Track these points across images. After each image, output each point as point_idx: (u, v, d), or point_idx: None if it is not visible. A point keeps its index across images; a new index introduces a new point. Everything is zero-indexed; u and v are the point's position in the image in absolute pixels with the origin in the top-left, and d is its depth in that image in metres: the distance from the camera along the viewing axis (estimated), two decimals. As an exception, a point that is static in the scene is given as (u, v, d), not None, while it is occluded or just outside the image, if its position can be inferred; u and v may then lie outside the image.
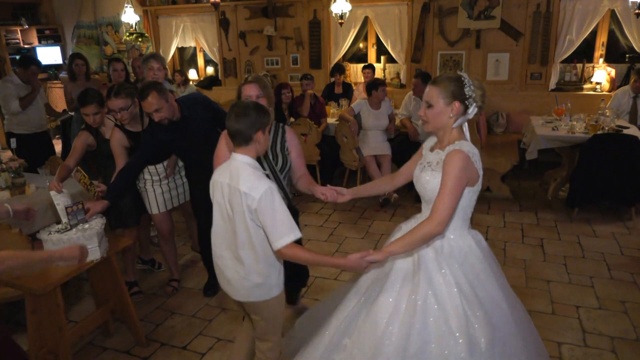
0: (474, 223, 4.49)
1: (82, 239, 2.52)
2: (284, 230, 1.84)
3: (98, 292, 3.03)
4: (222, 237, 2.02)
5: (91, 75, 5.36)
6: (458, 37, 6.24)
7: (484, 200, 5.12)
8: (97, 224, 2.63)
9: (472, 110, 1.95)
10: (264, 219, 1.85)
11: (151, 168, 3.30)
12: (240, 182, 1.87)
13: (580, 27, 5.82)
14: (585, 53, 6.10)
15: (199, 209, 3.27)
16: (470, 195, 1.97)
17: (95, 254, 2.58)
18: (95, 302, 3.15)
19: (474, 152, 1.91)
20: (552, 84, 6.12)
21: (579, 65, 6.09)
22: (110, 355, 2.94)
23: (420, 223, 1.91)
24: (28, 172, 3.69)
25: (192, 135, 3.05)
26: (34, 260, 1.98)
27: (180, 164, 3.47)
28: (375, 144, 5.19)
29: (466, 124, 2.00)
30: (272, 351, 2.17)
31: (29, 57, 5.29)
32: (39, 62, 5.12)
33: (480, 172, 1.95)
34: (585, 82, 6.11)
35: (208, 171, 2.18)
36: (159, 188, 3.34)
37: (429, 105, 1.96)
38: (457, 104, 1.92)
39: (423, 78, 5.18)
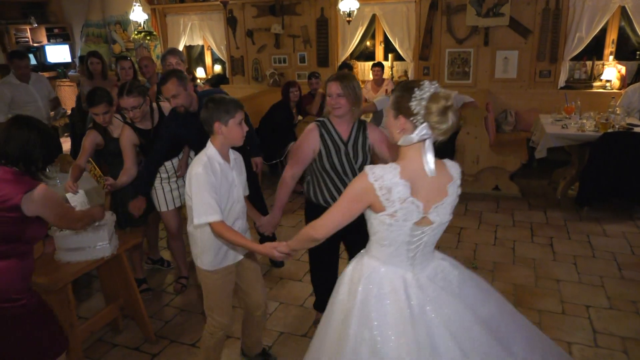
0: (483, 222, 4.52)
1: (92, 235, 2.54)
2: (202, 210, 2.11)
3: (108, 289, 3.05)
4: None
5: (108, 75, 5.32)
6: (466, 35, 6.20)
7: (493, 199, 5.10)
8: (109, 221, 2.64)
9: (420, 133, 1.58)
10: (192, 198, 2.16)
11: (161, 166, 3.31)
12: (189, 167, 2.22)
13: (590, 24, 5.77)
14: (595, 50, 6.04)
15: None
16: (385, 224, 1.66)
17: (105, 251, 2.60)
18: (104, 298, 3.17)
19: (392, 181, 1.59)
20: (562, 81, 6.07)
21: (589, 63, 6.04)
22: (120, 351, 2.96)
23: (305, 227, 1.86)
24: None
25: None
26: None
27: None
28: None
29: (426, 148, 1.62)
30: (209, 328, 2.42)
31: (12, 52, 5.23)
32: (19, 53, 4.98)
33: (391, 206, 1.61)
34: (595, 79, 6.06)
35: None
36: (167, 186, 3.36)
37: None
38: (402, 120, 1.62)
39: None
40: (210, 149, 2.21)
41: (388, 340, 1.64)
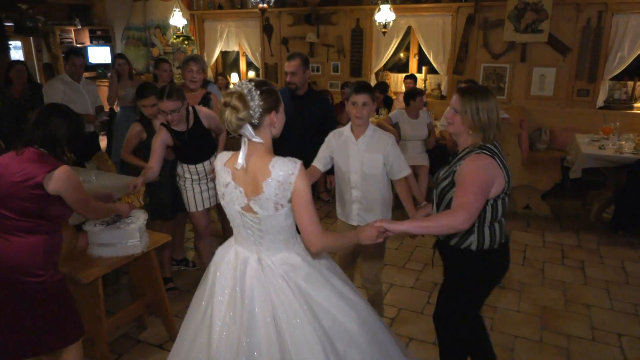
0: (512, 240, 4.43)
1: (124, 232, 2.60)
2: None
3: (135, 286, 3.11)
4: None
5: (135, 76, 5.47)
6: (503, 50, 6.13)
7: (523, 218, 4.99)
8: (139, 219, 2.70)
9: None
10: None
11: (192, 168, 3.37)
12: None
13: (633, 43, 5.61)
14: (636, 70, 5.87)
15: None
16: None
17: (136, 248, 2.65)
18: (131, 294, 3.24)
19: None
20: (600, 101, 5.92)
21: (630, 83, 5.87)
22: (144, 348, 3.01)
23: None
24: (75, 166, 3.83)
25: None
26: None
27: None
28: (414, 154, 5.14)
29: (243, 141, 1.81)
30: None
31: (70, 49, 5.44)
32: (76, 51, 5.19)
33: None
34: (636, 100, 5.89)
35: None
36: (197, 187, 3.42)
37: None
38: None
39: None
40: None
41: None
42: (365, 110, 2.61)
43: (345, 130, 2.75)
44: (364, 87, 2.65)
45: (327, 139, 2.82)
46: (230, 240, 2.06)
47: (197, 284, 3.81)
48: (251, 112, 1.70)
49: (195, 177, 3.40)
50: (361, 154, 2.68)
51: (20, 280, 2.07)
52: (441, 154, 5.35)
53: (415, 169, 5.14)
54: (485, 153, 2.01)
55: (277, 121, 1.83)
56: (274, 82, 7.63)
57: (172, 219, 3.61)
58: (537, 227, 4.78)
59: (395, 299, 3.52)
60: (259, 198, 1.79)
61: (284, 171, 1.75)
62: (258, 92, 1.71)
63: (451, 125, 2.15)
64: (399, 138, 5.18)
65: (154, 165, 3.11)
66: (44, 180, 2.04)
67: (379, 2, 6.07)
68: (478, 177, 1.94)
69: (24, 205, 2.05)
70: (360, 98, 2.60)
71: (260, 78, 5.97)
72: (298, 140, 3.55)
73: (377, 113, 6.08)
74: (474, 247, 2.11)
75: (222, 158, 1.90)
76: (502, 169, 2.02)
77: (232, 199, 1.86)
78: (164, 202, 3.49)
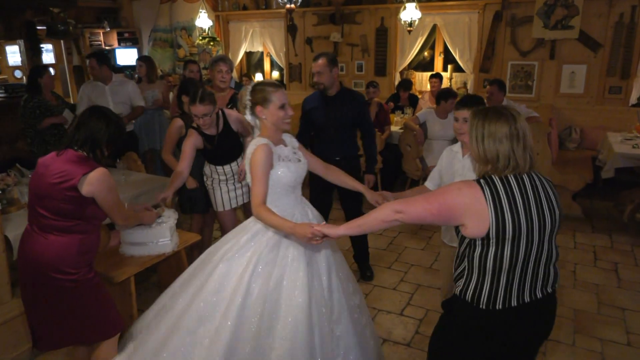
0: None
1: (155, 231, 2.65)
2: None
3: (165, 284, 3.14)
4: None
5: (154, 79, 5.49)
6: (531, 47, 6.01)
7: (553, 218, 4.88)
8: (171, 219, 2.74)
9: None
10: None
11: (219, 169, 3.41)
12: None
13: (668, 39, 5.44)
14: (672, 67, 5.70)
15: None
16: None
17: (166, 247, 2.70)
18: (161, 293, 3.27)
19: None
20: (633, 98, 5.75)
21: (665, 80, 5.70)
22: (173, 346, 3.05)
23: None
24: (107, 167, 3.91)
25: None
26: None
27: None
28: (440, 155, 5.08)
29: None
30: None
31: (88, 53, 5.49)
32: (94, 54, 5.10)
33: None
34: (671, 98, 5.71)
35: None
36: (225, 187, 3.45)
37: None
38: None
39: (500, 86, 5.02)
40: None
41: None
42: (466, 126, 2.32)
43: (456, 146, 2.64)
44: (467, 102, 2.48)
45: (441, 155, 2.75)
46: None
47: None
48: (245, 102, 2.27)
49: (222, 177, 3.43)
50: (465, 172, 2.49)
51: (51, 277, 2.13)
52: (468, 153, 5.28)
53: (441, 169, 5.09)
54: (480, 184, 1.69)
55: (265, 114, 2.24)
56: (297, 81, 7.65)
57: (205, 213, 3.68)
58: (568, 228, 4.68)
59: (423, 300, 3.49)
60: None
61: (250, 148, 2.22)
62: (250, 89, 2.27)
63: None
64: (424, 137, 5.13)
65: (184, 169, 3.13)
66: (79, 182, 2.08)
67: (405, 0, 6.02)
68: (443, 198, 1.69)
69: (60, 205, 2.10)
70: (462, 114, 2.44)
71: (267, 79, 6.01)
72: (331, 140, 3.56)
73: (403, 112, 6.04)
74: (468, 297, 1.77)
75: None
76: (490, 208, 1.63)
77: None
78: (196, 197, 3.56)
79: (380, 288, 3.63)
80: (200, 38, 7.73)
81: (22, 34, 5.92)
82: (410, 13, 5.91)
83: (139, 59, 5.56)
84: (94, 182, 2.10)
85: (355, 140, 3.73)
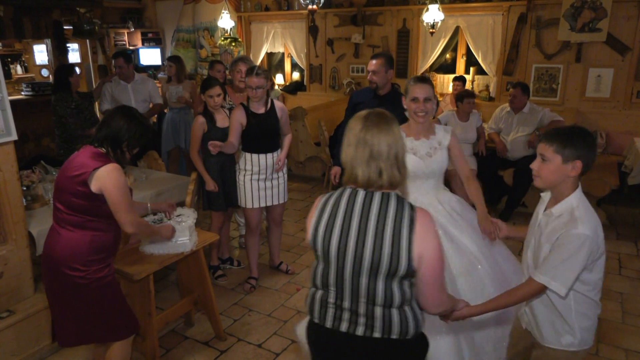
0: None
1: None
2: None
3: (183, 283, 3.18)
4: None
5: (183, 78, 5.54)
6: (556, 50, 5.89)
7: (576, 225, 4.77)
8: (189, 218, 2.76)
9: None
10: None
11: (254, 158, 3.46)
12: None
13: (700, 42, 5.28)
14: None
15: None
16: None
17: (185, 246, 2.71)
18: (179, 291, 3.31)
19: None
20: (662, 103, 5.60)
21: (696, 85, 5.52)
22: (190, 344, 3.07)
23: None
24: (129, 165, 3.97)
25: None
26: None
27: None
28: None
29: None
30: None
31: (113, 53, 5.60)
32: (121, 54, 5.25)
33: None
34: (702, 103, 5.53)
35: None
36: (256, 184, 3.51)
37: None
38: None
39: (523, 89, 4.95)
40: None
41: None
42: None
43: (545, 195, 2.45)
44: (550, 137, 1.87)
45: None
46: None
47: (242, 283, 3.90)
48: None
49: (255, 169, 3.47)
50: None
51: (62, 273, 2.13)
52: (489, 157, 5.20)
53: (462, 173, 5.02)
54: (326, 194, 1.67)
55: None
56: (318, 82, 7.65)
57: (225, 210, 3.72)
58: (591, 235, 4.56)
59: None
60: None
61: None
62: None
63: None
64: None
65: (234, 140, 3.37)
66: (89, 177, 2.08)
67: (427, 2, 5.96)
68: None
69: (72, 200, 2.11)
70: (540, 148, 1.87)
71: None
72: None
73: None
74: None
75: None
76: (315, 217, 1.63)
77: None
78: (215, 194, 3.60)
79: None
80: (222, 38, 7.79)
81: (49, 33, 6.04)
82: (432, 14, 5.85)
83: (168, 59, 5.63)
84: (101, 176, 2.09)
85: None
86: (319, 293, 1.63)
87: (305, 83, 7.90)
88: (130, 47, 8.86)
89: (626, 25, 5.49)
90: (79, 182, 2.09)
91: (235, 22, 7.81)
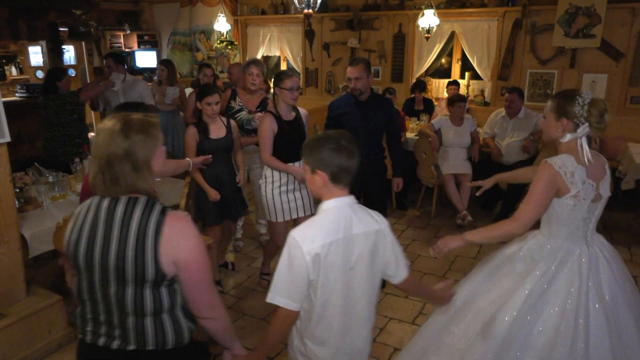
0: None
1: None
2: None
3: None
4: None
5: (174, 82, 5.53)
6: (551, 56, 5.93)
7: (570, 230, 4.79)
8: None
9: (583, 131, 1.98)
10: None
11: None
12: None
13: (693, 49, 5.32)
14: (697, 78, 5.57)
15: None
16: (561, 205, 2.02)
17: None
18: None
19: (567, 167, 1.95)
20: (656, 109, 5.64)
21: (689, 91, 5.57)
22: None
23: (503, 221, 2.08)
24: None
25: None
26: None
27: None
28: (456, 162, 5.04)
29: (584, 141, 2.00)
30: None
31: (105, 54, 5.63)
32: (111, 55, 5.30)
33: (574, 187, 1.96)
34: (695, 109, 5.58)
35: None
36: (285, 196, 3.34)
37: (544, 117, 2.12)
38: (564, 121, 2.00)
39: (520, 94, 4.99)
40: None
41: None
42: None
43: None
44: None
45: None
46: None
47: (237, 286, 3.90)
48: None
49: (284, 179, 3.32)
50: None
51: None
52: (484, 162, 5.22)
53: (457, 177, 5.05)
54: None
55: None
56: (314, 86, 7.66)
57: (217, 225, 3.54)
58: (585, 240, 4.58)
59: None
60: (605, 179, 2.08)
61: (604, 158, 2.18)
62: None
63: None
64: (439, 144, 5.10)
65: (269, 150, 3.26)
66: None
67: (423, 7, 6.00)
68: None
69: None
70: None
71: None
72: (363, 144, 3.46)
73: (418, 119, 6.00)
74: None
75: (569, 159, 1.97)
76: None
77: (586, 194, 2.00)
78: (208, 207, 3.42)
79: (392, 296, 3.60)
80: (219, 42, 7.80)
81: (45, 35, 6.03)
82: (428, 19, 5.88)
83: (160, 63, 5.65)
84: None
85: (382, 142, 3.73)
86: (79, 308, 1.57)
87: (301, 87, 7.92)
88: (126, 50, 8.86)
89: (620, 31, 5.53)
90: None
91: (231, 25, 7.82)
